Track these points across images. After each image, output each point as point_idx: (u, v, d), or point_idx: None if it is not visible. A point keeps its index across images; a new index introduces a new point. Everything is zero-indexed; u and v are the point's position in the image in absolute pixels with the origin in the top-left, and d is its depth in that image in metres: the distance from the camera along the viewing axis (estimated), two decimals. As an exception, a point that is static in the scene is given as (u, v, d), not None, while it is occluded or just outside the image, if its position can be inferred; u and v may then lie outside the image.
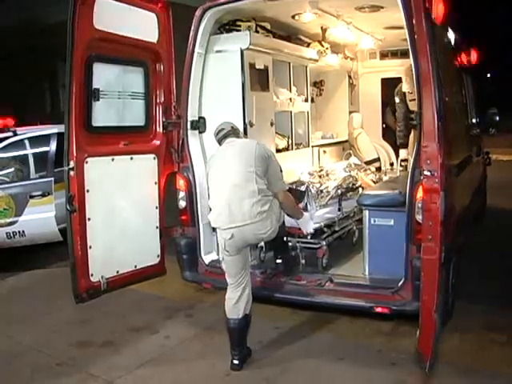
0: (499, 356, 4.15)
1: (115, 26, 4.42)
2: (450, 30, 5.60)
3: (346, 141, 7.77)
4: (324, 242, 5.06)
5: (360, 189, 5.86)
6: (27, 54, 15.21)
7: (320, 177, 5.70)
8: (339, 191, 5.50)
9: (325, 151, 7.20)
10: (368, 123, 7.86)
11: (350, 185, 5.77)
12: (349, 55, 7.66)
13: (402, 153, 7.40)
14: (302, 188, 5.21)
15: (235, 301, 4.13)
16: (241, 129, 5.16)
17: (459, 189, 5.02)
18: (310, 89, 7.42)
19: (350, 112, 7.90)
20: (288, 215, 4.44)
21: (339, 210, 5.41)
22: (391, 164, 7.91)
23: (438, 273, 3.18)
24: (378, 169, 7.16)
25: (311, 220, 4.83)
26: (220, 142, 4.32)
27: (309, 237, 4.96)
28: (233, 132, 4.32)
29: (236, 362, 4.14)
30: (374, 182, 6.11)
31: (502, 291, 5.31)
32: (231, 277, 4.16)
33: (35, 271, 6.84)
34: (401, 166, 7.31)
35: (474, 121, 7.26)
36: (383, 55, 7.63)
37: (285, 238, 4.64)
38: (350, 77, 7.90)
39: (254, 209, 3.93)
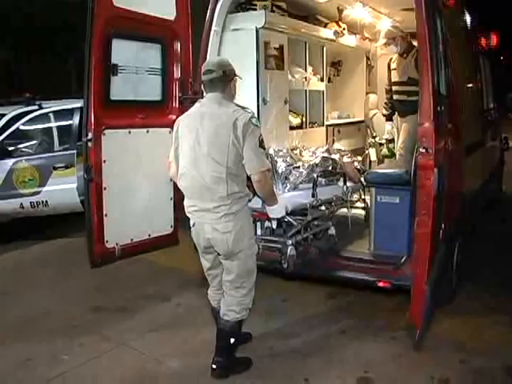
0: (500, 336, 4.17)
1: (134, 4, 4.52)
2: (466, 12, 5.63)
3: (362, 121, 7.85)
4: (290, 242, 4.39)
5: (341, 177, 5.01)
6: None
7: (291, 157, 4.98)
8: (314, 174, 4.71)
9: (339, 131, 7.28)
10: (385, 104, 7.88)
11: (330, 168, 4.98)
12: (367, 36, 7.68)
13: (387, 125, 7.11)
14: None
15: (214, 301, 3.92)
16: (255, 108, 5.25)
17: (467, 171, 5.09)
18: (328, 69, 7.48)
19: (368, 93, 7.94)
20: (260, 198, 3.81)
21: (313, 195, 4.57)
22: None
23: (430, 246, 3.28)
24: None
25: (284, 207, 4.13)
26: (203, 87, 3.51)
27: (274, 224, 4.45)
28: (222, 81, 3.41)
29: (214, 366, 3.67)
30: (358, 171, 5.31)
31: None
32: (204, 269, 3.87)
33: (59, 240, 7.05)
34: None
35: (490, 105, 7.26)
36: (402, 37, 7.58)
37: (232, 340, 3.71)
38: (368, 58, 7.94)
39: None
